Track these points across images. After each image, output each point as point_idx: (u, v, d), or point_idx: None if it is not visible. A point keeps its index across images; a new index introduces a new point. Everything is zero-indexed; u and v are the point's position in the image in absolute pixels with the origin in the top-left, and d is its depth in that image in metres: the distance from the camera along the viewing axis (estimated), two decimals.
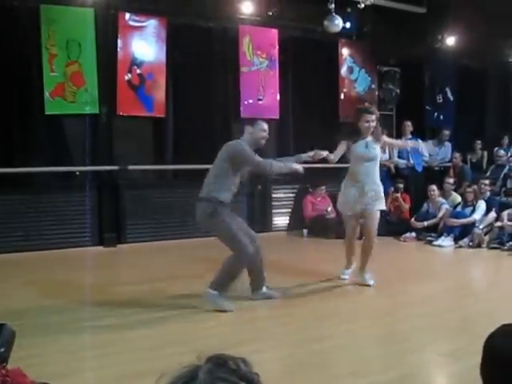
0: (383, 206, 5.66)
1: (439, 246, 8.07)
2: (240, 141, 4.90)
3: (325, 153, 5.33)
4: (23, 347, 3.54)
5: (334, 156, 5.53)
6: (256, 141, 4.89)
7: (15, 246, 7.25)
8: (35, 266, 6.67)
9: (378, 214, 5.54)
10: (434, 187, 8.75)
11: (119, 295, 5.17)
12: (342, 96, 9.82)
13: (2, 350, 1.75)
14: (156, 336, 4.09)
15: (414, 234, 8.66)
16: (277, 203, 9.47)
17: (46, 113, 7.33)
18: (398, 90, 10.40)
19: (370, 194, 5.42)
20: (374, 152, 5.49)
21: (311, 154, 5.21)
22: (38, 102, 7.29)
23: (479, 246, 7.90)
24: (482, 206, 8.28)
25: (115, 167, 7.90)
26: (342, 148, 5.57)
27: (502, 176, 9.28)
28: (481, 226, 8.05)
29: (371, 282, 5.56)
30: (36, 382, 1.54)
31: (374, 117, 5.50)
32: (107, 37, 7.78)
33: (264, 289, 5.04)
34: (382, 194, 5.57)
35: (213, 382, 0.91)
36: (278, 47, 9.08)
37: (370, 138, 5.50)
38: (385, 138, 5.77)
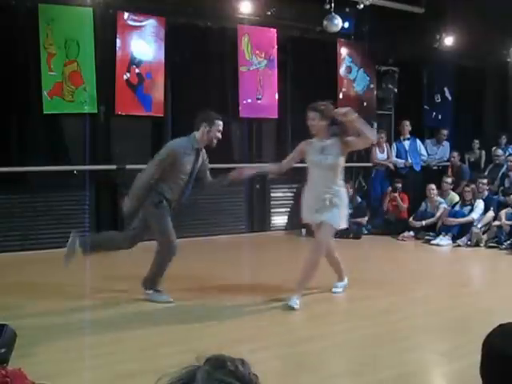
0: (339, 222, 4.85)
1: (437, 245, 8.09)
2: (179, 140, 4.88)
3: (251, 170, 5.16)
4: (18, 347, 3.54)
5: (281, 166, 5.23)
6: (210, 139, 4.87)
7: (13, 245, 7.24)
8: (32, 265, 6.65)
9: (329, 226, 4.82)
10: (433, 186, 8.76)
11: (114, 295, 5.16)
12: (341, 96, 9.81)
13: (3, 350, 1.74)
14: (151, 336, 4.09)
15: (412, 233, 8.68)
16: (275, 202, 9.47)
17: (45, 112, 7.31)
18: (396, 89, 10.41)
19: (325, 202, 4.81)
20: (332, 159, 4.84)
21: (234, 174, 5.10)
22: (37, 101, 7.27)
23: (477, 245, 7.92)
24: (480, 205, 8.29)
25: (113, 166, 7.89)
26: (294, 152, 5.14)
27: (499, 175, 9.30)
28: (479, 225, 8.07)
29: (295, 305, 4.72)
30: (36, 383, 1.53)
31: (313, 114, 4.86)
32: (106, 36, 7.75)
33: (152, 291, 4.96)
34: (340, 204, 4.84)
35: (212, 383, 0.91)
36: (276, 47, 9.07)
37: (328, 142, 4.88)
38: (347, 140, 4.87)
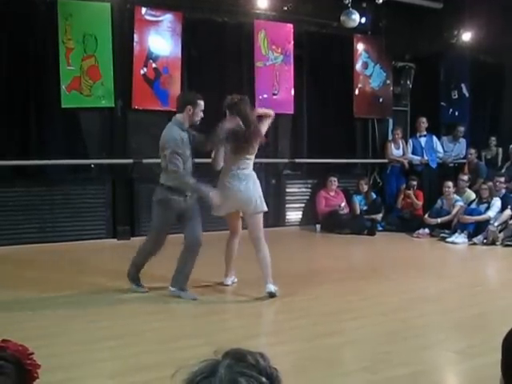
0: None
1: (453, 242, 8.03)
2: (170, 130, 4.87)
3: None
4: (33, 338, 3.59)
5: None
6: (194, 121, 4.91)
7: (30, 237, 7.32)
8: (49, 257, 6.73)
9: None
10: (450, 184, 8.69)
11: (130, 289, 5.19)
12: (357, 91, 9.78)
13: None
14: (167, 329, 4.13)
15: (427, 231, 8.62)
16: (290, 198, 9.47)
17: (63, 106, 7.39)
18: (411, 85, 10.36)
19: None
20: None
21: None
22: (55, 95, 7.34)
23: (493, 243, 7.85)
24: (496, 203, 8.22)
25: (130, 160, 7.95)
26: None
27: None
28: (496, 224, 7.99)
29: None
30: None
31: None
32: (123, 31, 7.81)
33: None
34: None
35: (233, 376, 0.92)
36: (293, 42, 9.05)
37: None
38: None
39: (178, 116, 4.91)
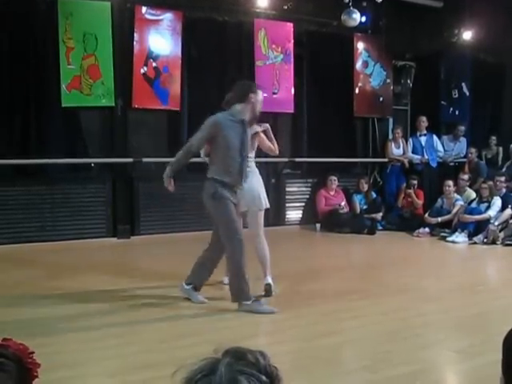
0: None
1: (453, 242, 8.03)
2: (219, 113, 4.57)
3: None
4: (36, 336, 3.60)
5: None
6: (257, 111, 4.63)
7: (30, 236, 7.33)
8: (50, 256, 6.73)
9: None
10: (451, 183, 8.69)
11: (131, 288, 5.20)
12: (357, 90, 9.78)
13: None
14: (167, 328, 4.12)
15: (427, 230, 8.63)
16: (290, 197, 9.48)
17: (63, 105, 7.39)
18: (411, 84, 10.35)
19: None
20: None
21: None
22: (55, 94, 7.35)
23: (494, 242, 7.84)
24: (497, 202, 8.22)
25: (130, 159, 7.95)
26: None
27: None
28: (496, 223, 7.99)
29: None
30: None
31: None
32: (123, 30, 7.82)
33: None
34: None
35: (233, 375, 0.92)
36: (293, 41, 9.06)
37: None
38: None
39: (238, 106, 4.55)
